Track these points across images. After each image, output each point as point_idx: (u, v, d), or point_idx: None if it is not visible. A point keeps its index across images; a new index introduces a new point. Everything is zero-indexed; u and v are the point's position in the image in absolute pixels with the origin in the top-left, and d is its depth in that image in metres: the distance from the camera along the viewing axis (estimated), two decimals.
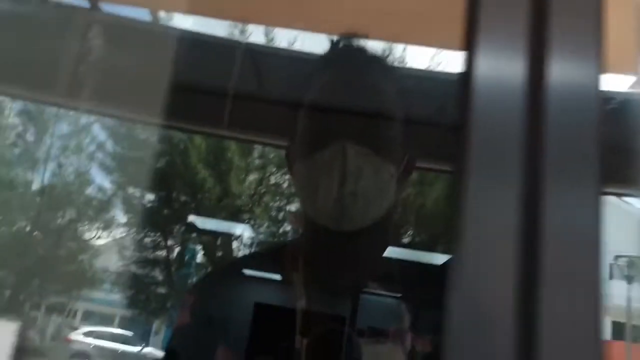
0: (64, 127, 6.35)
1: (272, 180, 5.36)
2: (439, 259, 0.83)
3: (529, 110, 0.42)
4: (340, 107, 0.75)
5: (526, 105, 0.42)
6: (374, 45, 0.80)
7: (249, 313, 0.73)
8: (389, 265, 0.77)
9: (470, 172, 0.40)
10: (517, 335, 0.37)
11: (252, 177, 5.32)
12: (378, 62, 0.79)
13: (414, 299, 0.73)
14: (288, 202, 5.29)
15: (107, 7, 1.14)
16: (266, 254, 1.01)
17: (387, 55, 0.80)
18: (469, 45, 0.43)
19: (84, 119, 6.05)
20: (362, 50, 0.79)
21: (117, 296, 6.61)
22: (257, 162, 5.33)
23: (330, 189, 0.69)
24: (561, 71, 0.43)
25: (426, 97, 1.10)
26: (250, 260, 0.96)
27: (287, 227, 5.29)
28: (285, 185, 5.29)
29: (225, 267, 1.18)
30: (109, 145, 5.96)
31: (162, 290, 6.11)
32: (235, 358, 0.71)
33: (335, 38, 0.79)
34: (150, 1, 1.16)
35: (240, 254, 5.44)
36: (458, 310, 0.38)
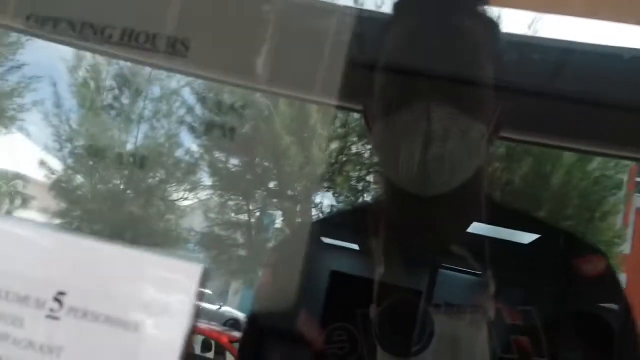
0: (156, 91, 6.63)
1: (354, 149, 5.34)
2: (525, 237, 0.77)
3: None
4: (425, 58, 0.68)
5: None
6: None
7: (327, 277, 0.71)
8: (474, 237, 0.72)
9: None
10: None
11: (334, 145, 5.32)
12: (469, 6, 0.71)
13: (502, 267, 0.67)
14: (368, 173, 5.26)
15: None
16: (348, 216, 0.98)
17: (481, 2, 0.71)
18: None
19: (174, 83, 6.28)
20: None
21: (199, 255, 6.90)
22: (339, 130, 5.32)
23: (413, 152, 0.64)
24: None
25: (525, 63, 1.02)
26: (332, 222, 0.93)
27: (367, 197, 5.27)
28: (366, 155, 5.25)
29: (308, 227, 1.17)
30: (198, 109, 6.16)
31: (242, 252, 6.31)
32: (314, 322, 0.69)
33: None
34: None
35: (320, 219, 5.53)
36: None
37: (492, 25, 0.72)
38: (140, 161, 6.31)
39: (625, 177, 4.86)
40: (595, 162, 4.50)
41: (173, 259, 0.32)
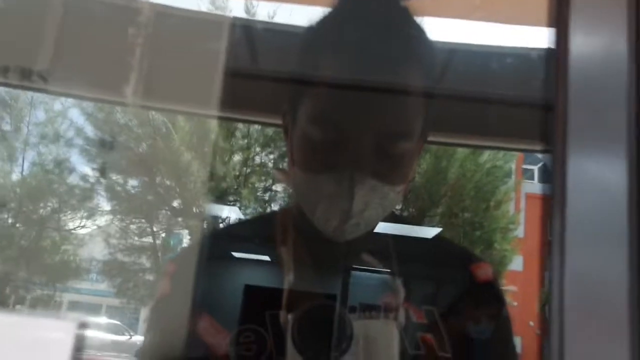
0: (40, 114, 6.19)
1: (257, 160, 5.30)
2: (430, 232, 0.82)
3: (633, 83, 0.41)
4: (360, 88, 0.69)
5: (629, 78, 0.41)
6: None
7: (233, 284, 0.70)
8: (381, 240, 0.73)
9: (573, 151, 0.38)
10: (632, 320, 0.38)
11: (237, 158, 5.25)
12: (408, 24, 0.72)
13: (408, 272, 0.70)
14: (274, 183, 5.24)
15: None
16: (255, 223, 0.97)
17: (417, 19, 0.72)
18: (560, 21, 0.41)
19: (59, 105, 5.90)
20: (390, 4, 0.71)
21: (103, 285, 6.54)
22: (240, 142, 5.26)
23: (331, 218, 0.65)
24: None
25: None
26: (237, 230, 0.92)
27: (275, 207, 5.25)
28: (270, 165, 5.23)
29: (212, 236, 1.14)
30: (89, 130, 5.83)
31: (149, 277, 6.04)
32: (218, 327, 0.68)
33: None
34: None
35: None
36: (568, 300, 0.39)
37: (429, 42, 0.73)
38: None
39: (513, 166, 5.21)
40: (486, 155, 4.78)
41: (45, 318, 0.30)
